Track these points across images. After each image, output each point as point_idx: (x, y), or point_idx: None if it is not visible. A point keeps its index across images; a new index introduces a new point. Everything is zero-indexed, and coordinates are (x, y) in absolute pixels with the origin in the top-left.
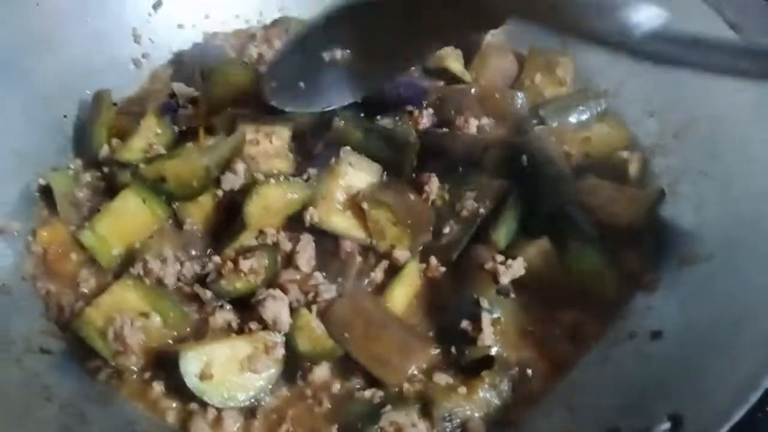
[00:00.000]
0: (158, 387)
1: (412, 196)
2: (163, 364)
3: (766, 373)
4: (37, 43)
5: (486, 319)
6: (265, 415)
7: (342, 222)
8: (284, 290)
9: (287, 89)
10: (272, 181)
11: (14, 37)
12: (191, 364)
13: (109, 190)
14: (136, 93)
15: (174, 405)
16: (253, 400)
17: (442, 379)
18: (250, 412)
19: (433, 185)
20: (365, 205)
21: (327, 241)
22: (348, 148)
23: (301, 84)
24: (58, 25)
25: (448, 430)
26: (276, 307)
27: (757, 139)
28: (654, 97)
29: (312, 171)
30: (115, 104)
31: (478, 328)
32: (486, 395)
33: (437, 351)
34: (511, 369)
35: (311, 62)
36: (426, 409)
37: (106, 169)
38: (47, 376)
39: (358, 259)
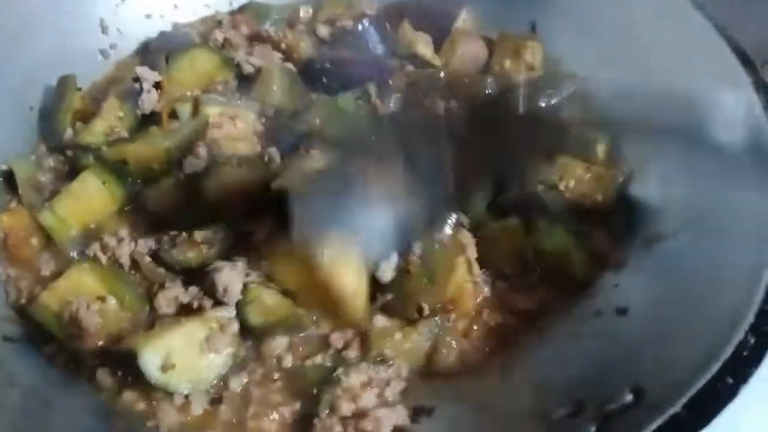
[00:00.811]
0: (119, 373)
1: None
2: (122, 356)
3: (726, 344)
4: (4, 36)
5: None
6: (230, 398)
7: None
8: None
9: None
10: (234, 161)
11: None
12: (151, 360)
13: (72, 173)
14: (102, 79)
15: (138, 391)
16: (219, 380)
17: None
18: (216, 398)
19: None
20: None
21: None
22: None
23: None
24: (26, 17)
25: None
26: (229, 276)
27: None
28: (623, 81)
29: (272, 151)
30: (79, 89)
31: None
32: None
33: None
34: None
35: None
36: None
37: (69, 153)
38: (10, 363)
39: None
